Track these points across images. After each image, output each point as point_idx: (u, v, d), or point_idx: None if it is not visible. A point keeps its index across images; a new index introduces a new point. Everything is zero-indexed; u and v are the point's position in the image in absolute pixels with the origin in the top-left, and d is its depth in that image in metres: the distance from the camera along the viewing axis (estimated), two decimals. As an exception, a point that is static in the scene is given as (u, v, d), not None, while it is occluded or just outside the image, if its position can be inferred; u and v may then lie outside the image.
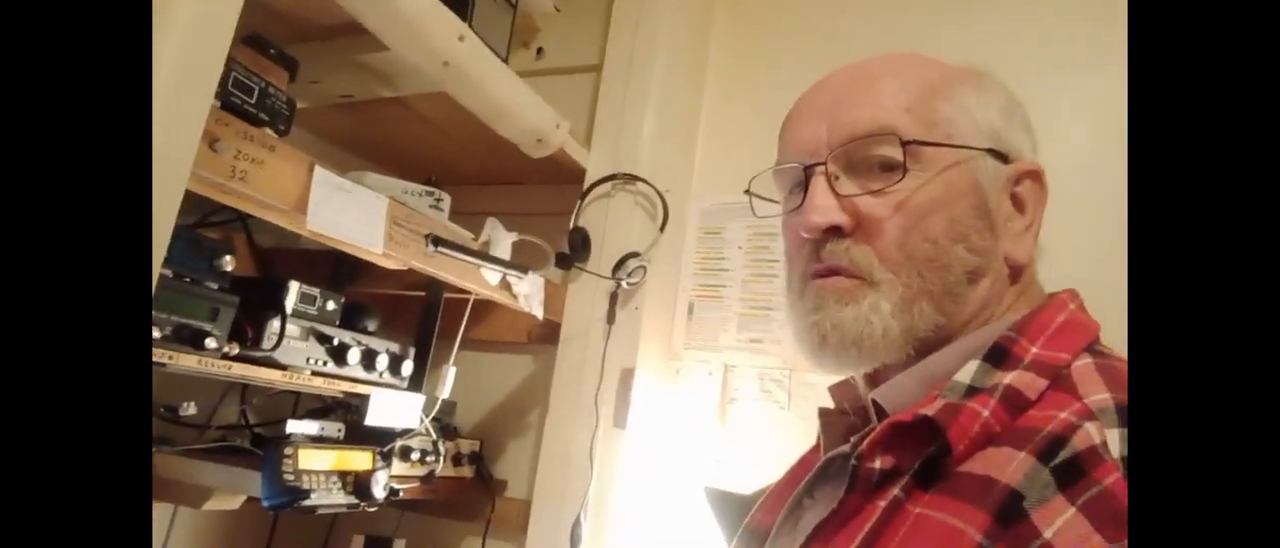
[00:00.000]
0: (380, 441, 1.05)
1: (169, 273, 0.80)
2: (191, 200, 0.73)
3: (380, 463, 1.01)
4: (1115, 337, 0.51)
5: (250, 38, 0.81)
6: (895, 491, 0.44)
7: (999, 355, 0.48)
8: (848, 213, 0.52)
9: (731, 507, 0.81)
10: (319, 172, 0.81)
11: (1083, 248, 0.88)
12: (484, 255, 1.07)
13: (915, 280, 0.50)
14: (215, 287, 0.84)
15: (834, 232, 0.52)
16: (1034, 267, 0.56)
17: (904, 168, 0.51)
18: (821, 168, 0.53)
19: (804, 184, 0.54)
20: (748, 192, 0.63)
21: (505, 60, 1.13)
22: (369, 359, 1.02)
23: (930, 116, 0.52)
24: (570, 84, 1.41)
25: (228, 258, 0.86)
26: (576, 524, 1.15)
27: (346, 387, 1.01)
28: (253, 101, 0.77)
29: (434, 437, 1.14)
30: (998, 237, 0.53)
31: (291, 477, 0.89)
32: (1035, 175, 0.55)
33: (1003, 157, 0.54)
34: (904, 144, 0.51)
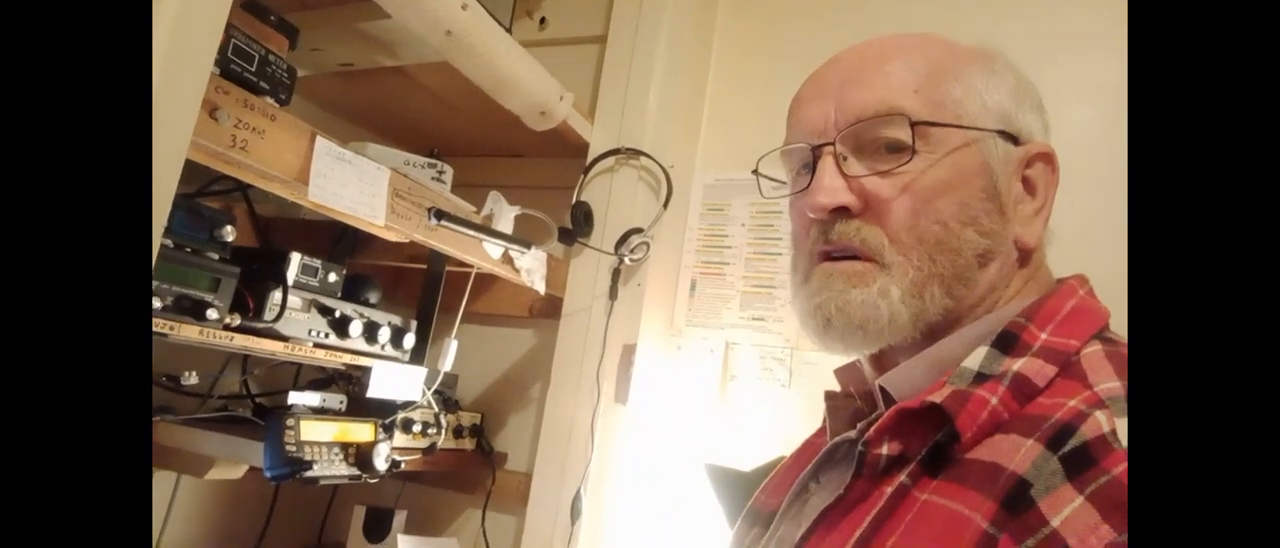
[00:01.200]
0: (382, 413, 1.05)
1: (169, 243, 0.80)
2: (192, 170, 0.72)
3: (382, 435, 1.01)
4: (1125, 323, 0.51)
5: (249, 4, 0.80)
6: (902, 477, 0.44)
7: (1008, 342, 0.47)
8: (855, 193, 0.51)
9: (731, 484, 0.82)
10: (320, 142, 0.80)
11: (1091, 231, 0.87)
12: (486, 229, 1.06)
13: (926, 264, 0.50)
14: (216, 257, 0.84)
15: (841, 212, 0.52)
16: (1043, 251, 0.56)
17: (913, 149, 0.50)
18: (830, 148, 0.52)
19: (811, 165, 0.53)
20: (755, 172, 0.62)
21: (508, 30, 1.11)
22: (371, 332, 1.02)
23: (938, 98, 0.51)
24: (574, 55, 1.39)
25: (229, 228, 0.85)
26: (577, 498, 1.16)
27: (348, 359, 1.01)
28: (253, 70, 0.76)
29: (435, 409, 1.14)
30: (1007, 219, 0.52)
31: (293, 448, 0.90)
32: (1046, 157, 0.54)
33: (1013, 138, 0.53)
34: (913, 125, 0.50)
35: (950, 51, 0.55)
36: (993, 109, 0.53)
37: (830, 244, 0.52)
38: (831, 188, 0.51)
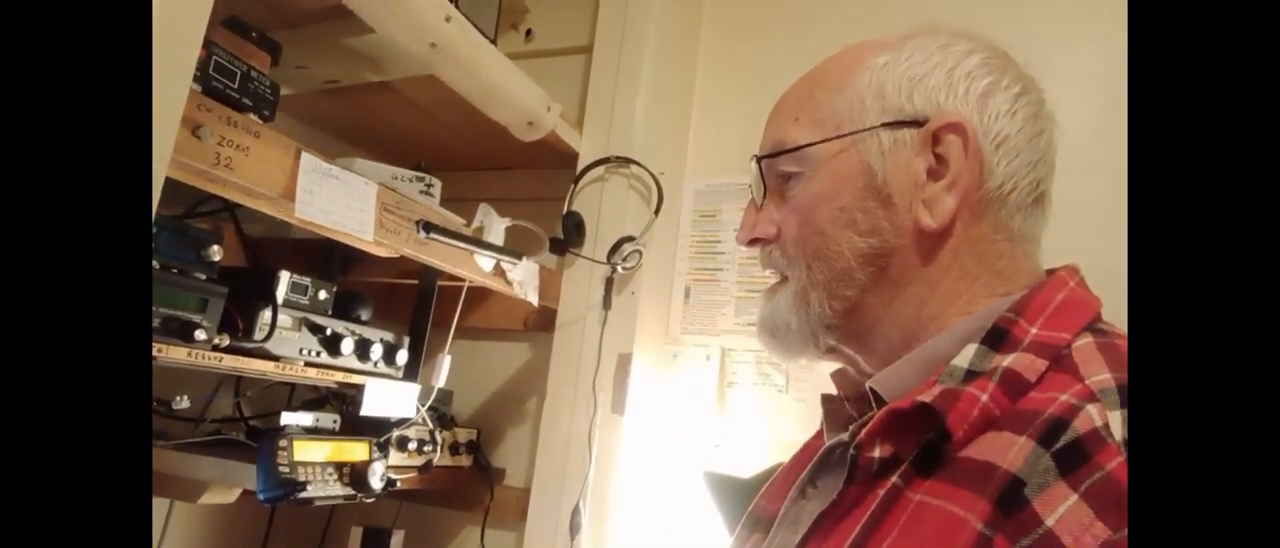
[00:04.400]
0: (376, 431, 1.04)
1: (155, 264, 0.79)
2: (178, 191, 0.72)
3: (377, 454, 1.00)
4: (1117, 312, 0.50)
5: (230, 21, 0.79)
6: (894, 479, 0.43)
7: (998, 338, 0.47)
8: (765, 223, 0.58)
9: (730, 491, 0.81)
10: (306, 158, 0.79)
11: (1082, 221, 0.87)
12: (477, 241, 1.06)
13: (804, 273, 0.54)
14: (203, 277, 0.83)
15: (762, 242, 0.58)
16: (1010, 237, 0.52)
17: (798, 172, 0.55)
18: (750, 189, 0.60)
19: None
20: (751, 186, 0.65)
21: (494, 42, 1.11)
22: (363, 349, 1.01)
23: (816, 116, 0.55)
24: (561, 66, 1.39)
25: (215, 248, 0.84)
26: (576, 511, 1.15)
27: (340, 377, 1.00)
28: (235, 86, 0.75)
29: (431, 426, 1.13)
30: (895, 210, 0.51)
31: (287, 469, 0.89)
32: (954, 127, 0.50)
33: (914, 122, 0.51)
34: (790, 151, 0.55)
35: (851, 58, 0.56)
36: (877, 104, 0.52)
37: (766, 269, 0.60)
38: (744, 225, 0.60)
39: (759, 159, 0.58)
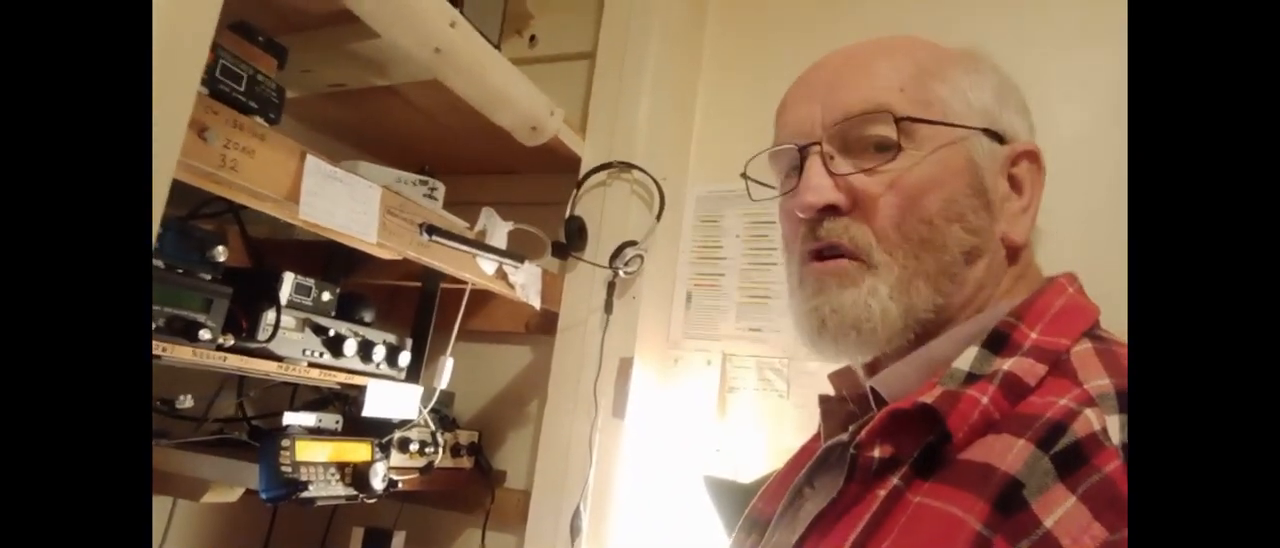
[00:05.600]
0: (378, 432, 1.04)
1: (160, 264, 0.80)
2: (183, 192, 0.72)
3: (378, 455, 1.00)
4: (1114, 320, 0.50)
5: (237, 25, 0.80)
6: (894, 479, 0.44)
7: (998, 342, 0.47)
8: (843, 192, 0.51)
9: (731, 496, 0.81)
10: (311, 160, 0.80)
11: (1082, 229, 0.87)
12: (479, 245, 1.06)
13: (911, 262, 0.50)
14: (208, 278, 0.84)
15: (830, 211, 0.52)
16: (1032, 249, 0.56)
17: (899, 146, 0.50)
18: (816, 148, 0.52)
19: (799, 166, 0.54)
20: (744, 175, 0.62)
21: (498, 47, 1.12)
22: (366, 350, 1.02)
23: (924, 96, 0.51)
24: (564, 72, 1.40)
25: (220, 248, 0.85)
26: (576, 514, 1.15)
27: (343, 378, 1.00)
28: (242, 89, 0.76)
29: (432, 428, 1.13)
30: (994, 217, 0.52)
31: (289, 469, 0.89)
32: (1032, 156, 0.54)
33: (999, 137, 0.53)
34: (898, 122, 0.50)
35: (934, 52, 0.55)
36: (977, 108, 0.53)
37: (818, 242, 0.52)
38: (819, 186, 0.51)
39: (849, 118, 0.51)
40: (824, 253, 0.52)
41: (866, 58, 0.54)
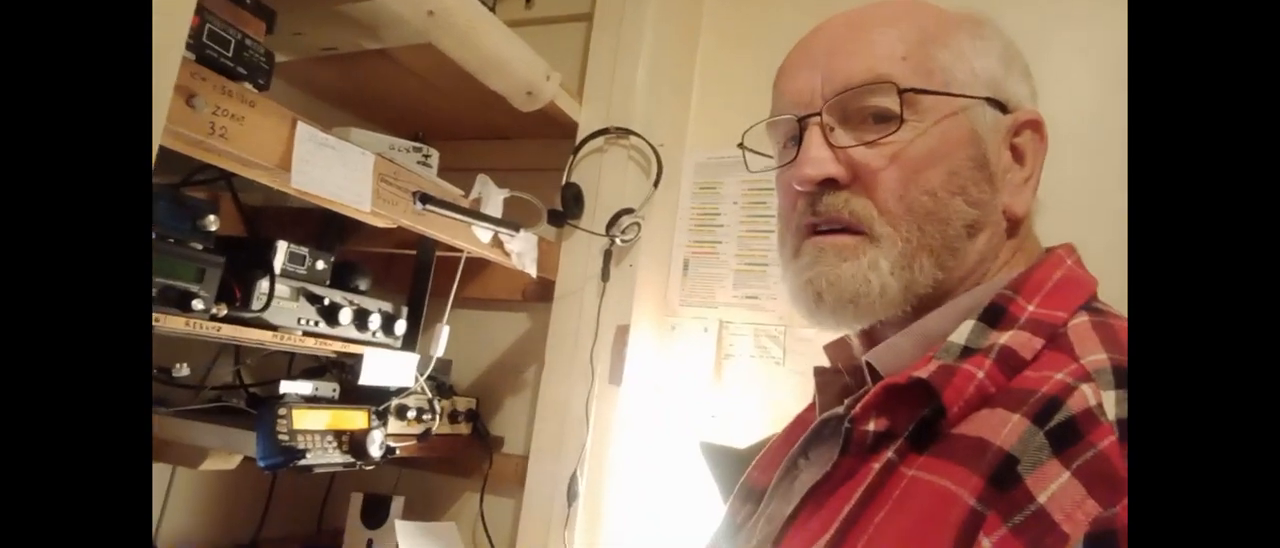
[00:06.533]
0: (376, 400, 1.05)
1: (152, 234, 0.79)
2: (174, 159, 0.71)
3: (376, 422, 1.01)
4: (1113, 291, 0.50)
5: (224, -12, 0.78)
6: (889, 453, 0.44)
7: (995, 315, 0.47)
8: (843, 164, 0.50)
9: (727, 461, 0.82)
10: (302, 127, 0.79)
11: (1083, 202, 0.87)
12: (474, 213, 1.05)
13: (915, 235, 0.49)
14: (200, 247, 0.83)
15: (829, 184, 0.51)
16: (1032, 220, 0.55)
17: (901, 118, 0.49)
18: (816, 119, 0.51)
19: (798, 137, 0.52)
20: (741, 146, 0.61)
21: (493, 9, 1.09)
22: (361, 319, 1.01)
23: (927, 65, 0.50)
24: (560, 34, 1.37)
25: (212, 217, 0.84)
26: (573, 479, 1.16)
27: (339, 347, 1.00)
28: (229, 55, 0.74)
29: (429, 395, 1.14)
30: (996, 189, 0.51)
31: (286, 437, 0.89)
32: (1035, 125, 0.53)
33: (1002, 106, 0.52)
34: (901, 93, 0.49)
35: (939, 17, 0.53)
36: (981, 76, 0.52)
37: (818, 216, 0.51)
38: (818, 159, 0.50)
39: (850, 89, 0.50)
40: (823, 228, 0.51)
41: (868, 24, 0.52)
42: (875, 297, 0.49)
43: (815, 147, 0.50)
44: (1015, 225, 0.53)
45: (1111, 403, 0.39)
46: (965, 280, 0.51)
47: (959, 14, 0.55)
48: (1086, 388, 0.40)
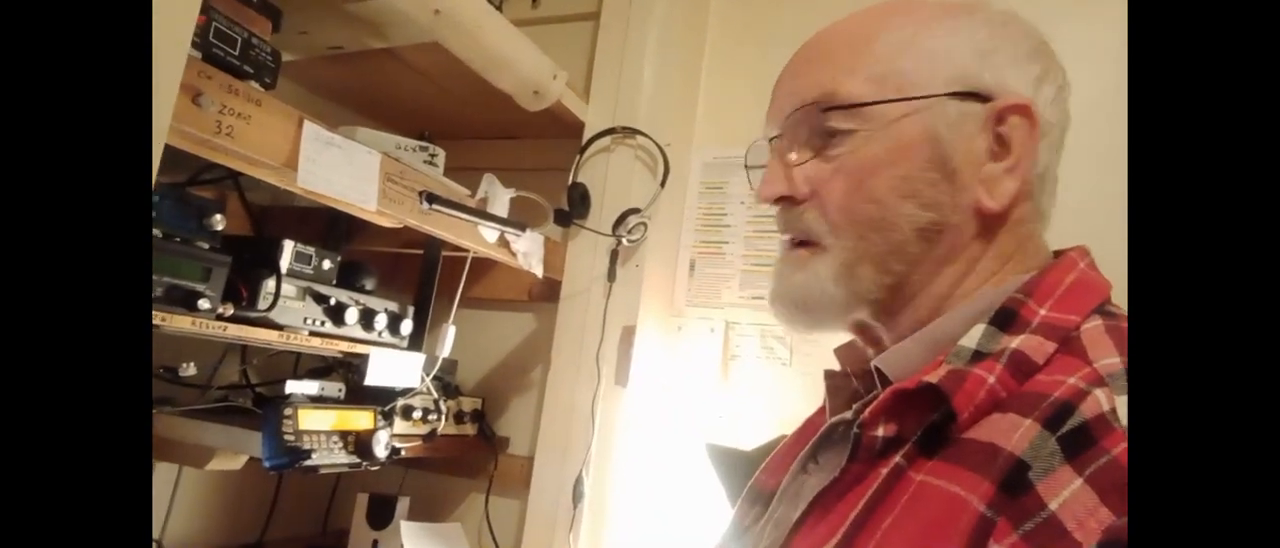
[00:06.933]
0: (381, 400, 1.04)
1: (158, 233, 0.79)
2: (180, 158, 0.71)
3: (381, 422, 1.01)
4: (1126, 296, 0.49)
5: (230, -13, 0.78)
6: (898, 458, 0.43)
7: (1006, 319, 0.46)
8: (800, 181, 0.53)
9: (733, 463, 0.81)
10: (309, 126, 0.79)
11: (1092, 202, 0.86)
12: (480, 212, 1.05)
13: (857, 244, 0.50)
14: (206, 246, 0.83)
15: (788, 201, 0.53)
16: (1031, 213, 0.52)
17: (847, 130, 0.51)
18: (778, 139, 0.54)
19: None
20: (746, 166, 0.63)
21: (499, 9, 1.09)
22: (367, 319, 1.01)
23: (879, 72, 0.51)
24: (567, 33, 1.37)
25: (218, 216, 0.84)
26: (578, 481, 1.16)
27: (345, 347, 1.00)
28: (236, 53, 0.74)
29: (435, 395, 1.14)
30: (960, 187, 0.50)
31: (292, 437, 0.89)
32: (1022, 110, 0.50)
33: (980, 95, 0.50)
34: (848, 108, 0.50)
35: (910, 17, 0.53)
36: (951, 68, 0.50)
37: (786, 231, 0.55)
38: (770, 179, 0.54)
39: (800, 109, 0.52)
40: (794, 241, 0.54)
41: (829, 40, 0.54)
42: (823, 305, 0.52)
43: (771, 167, 0.54)
44: (993, 220, 0.50)
45: (1125, 408, 0.38)
46: (935, 279, 0.50)
47: (940, 7, 0.53)
48: (1099, 393, 0.39)
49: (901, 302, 0.51)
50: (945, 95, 0.50)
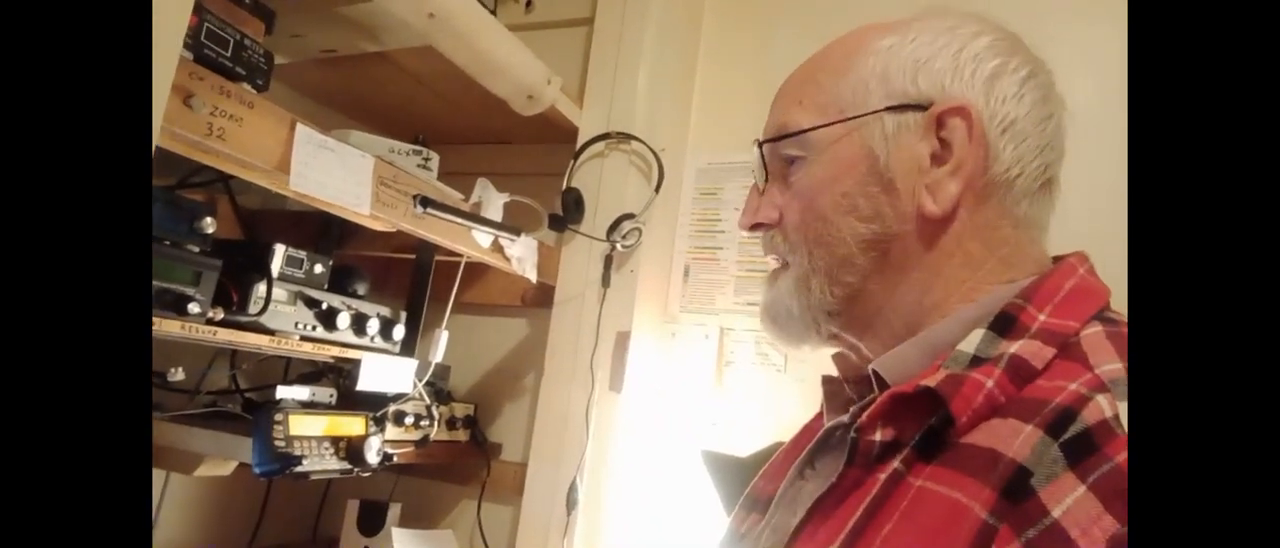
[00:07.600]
0: (373, 406, 1.03)
1: (151, 236, 0.78)
2: (170, 160, 0.70)
3: (373, 428, 1.00)
4: (1126, 302, 0.49)
5: (222, -12, 0.77)
6: (896, 463, 0.43)
7: (1005, 324, 0.46)
8: (768, 208, 0.57)
9: (728, 470, 0.81)
10: (301, 129, 0.78)
11: (1091, 206, 0.86)
12: (474, 217, 1.04)
13: (807, 260, 0.54)
14: (196, 250, 0.82)
15: (763, 227, 0.58)
16: (1016, 222, 0.51)
17: (800, 157, 0.55)
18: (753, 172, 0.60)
19: None
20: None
21: (493, 12, 1.09)
22: (359, 324, 1.00)
23: (819, 100, 0.54)
24: (561, 38, 1.37)
25: (208, 220, 0.83)
26: (572, 487, 1.15)
27: (336, 352, 0.99)
28: (228, 55, 0.73)
29: (428, 401, 1.13)
30: (902, 195, 0.50)
31: (282, 443, 0.88)
32: (959, 111, 0.49)
33: (918, 106, 0.50)
34: (795, 135, 0.54)
35: (856, 44, 0.54)
36: (882, 88, 0.51)
37: (767, 254, 0.59)
38: (746, 209, 0.59)
39: (761, 143, 0.57)
40: (776, 263, 0.58)
41: (793, 78, 0.58)
42: (787, 317, 0.56)
43: (748, 198, 0.60)
44: (940, 225, 0.50)
45: (1127, 414, 0.38)
46: (898, 287, 0.51)
47: (884, 27, 0.54)
48: (1102, 399, 0.39)
49: (865, 313, 0.53)
50: (883, 111, 0.51)
